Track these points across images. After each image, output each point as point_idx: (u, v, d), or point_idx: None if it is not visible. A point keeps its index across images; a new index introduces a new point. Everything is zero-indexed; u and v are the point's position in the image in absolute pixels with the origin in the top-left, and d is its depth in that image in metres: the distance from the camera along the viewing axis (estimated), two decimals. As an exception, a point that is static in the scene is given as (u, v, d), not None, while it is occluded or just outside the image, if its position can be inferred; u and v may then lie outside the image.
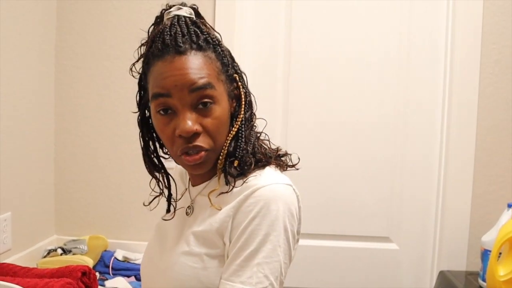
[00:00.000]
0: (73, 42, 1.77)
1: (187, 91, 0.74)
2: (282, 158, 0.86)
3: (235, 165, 0.80)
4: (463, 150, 1.65)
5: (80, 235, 1.76)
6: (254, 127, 0.86)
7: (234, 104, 0.83)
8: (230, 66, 0.82)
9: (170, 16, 0.79)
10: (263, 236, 0.73)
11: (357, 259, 1.77)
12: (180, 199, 0.91)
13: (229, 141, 0.80)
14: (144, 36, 0.83)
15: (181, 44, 0.75)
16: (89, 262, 1.58)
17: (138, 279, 1.58)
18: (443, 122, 1.70)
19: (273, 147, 0.89)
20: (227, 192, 0.79)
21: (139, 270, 1.60)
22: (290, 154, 0.88)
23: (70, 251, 1.64)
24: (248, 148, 0.82)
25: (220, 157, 0.80)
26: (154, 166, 0.88)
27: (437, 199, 1.72)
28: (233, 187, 0.79)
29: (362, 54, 1.71)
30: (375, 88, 1.72)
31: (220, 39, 0.82)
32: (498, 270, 1.25)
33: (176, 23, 0.77)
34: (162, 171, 0.89)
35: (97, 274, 1.55)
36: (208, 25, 0.82)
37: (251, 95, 0.86)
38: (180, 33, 0.76)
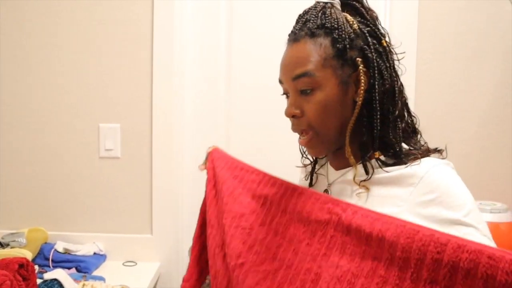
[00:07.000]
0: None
1: (290, 80, 0.84)
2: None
3: (376, 156, 0.82)
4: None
5: (19, 228, 1.72)
6: (401, 116, 0.84)
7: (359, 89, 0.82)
8: (350, 49, 0.82)
9: (316, 2, 0.87)
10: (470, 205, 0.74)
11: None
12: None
13: (349, 129, 0.82)
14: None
15: (297, 32, 0.84)
16: (28, 255, 1.55)
17: (79, 270, 1.59)
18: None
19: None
20: (366, 179, 0.81)
21: (80, 261, 1.61)
22: (441, 150, 0.86)
23: (8, 245, 1.61)
24: (393, 137, 0.82)
25: (346, 146, 0.82)
26: None
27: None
28: (372, 174, 0.81)
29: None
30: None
31: (353, 25, 0.83)
32: None
33: (312, 8, 0.86)
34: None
35: (36, 267, 1.53)
36: (339, 13, 0.84)
37: (395, 82, 0.84)
38: (303, 20, 0.85)
